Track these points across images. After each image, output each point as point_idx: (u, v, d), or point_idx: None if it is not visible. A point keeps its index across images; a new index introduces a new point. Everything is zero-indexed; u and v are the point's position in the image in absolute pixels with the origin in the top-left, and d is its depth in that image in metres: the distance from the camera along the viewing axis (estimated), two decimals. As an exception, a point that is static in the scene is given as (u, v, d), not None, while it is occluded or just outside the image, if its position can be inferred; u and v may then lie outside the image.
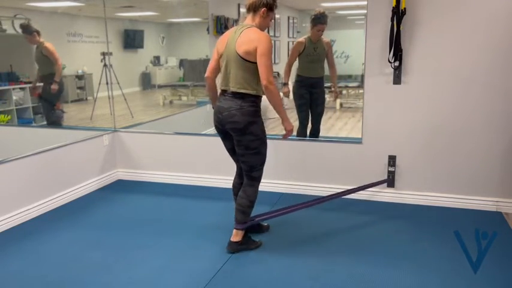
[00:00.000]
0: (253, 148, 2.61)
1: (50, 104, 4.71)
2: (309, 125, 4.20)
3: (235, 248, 2.74)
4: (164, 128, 4.18)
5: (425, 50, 3.25)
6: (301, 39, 3.99)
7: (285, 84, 4.03)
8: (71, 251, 2.81)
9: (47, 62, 4.50)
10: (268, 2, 2.55)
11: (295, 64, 4.09)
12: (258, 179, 2.73)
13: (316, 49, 3.97)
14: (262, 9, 2.54)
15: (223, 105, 2.59)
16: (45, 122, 4.94)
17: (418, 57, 3.27)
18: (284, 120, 2.65)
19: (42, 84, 4.65)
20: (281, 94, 5.09)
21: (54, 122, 4.72)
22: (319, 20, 3.86)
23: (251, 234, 2.92)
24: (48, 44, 4.46)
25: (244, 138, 2.58)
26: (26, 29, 4.46)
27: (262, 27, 2.60)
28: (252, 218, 2.94)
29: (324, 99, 4.13)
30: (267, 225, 3.09)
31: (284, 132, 2.69)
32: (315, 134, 4.14)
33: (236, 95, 2.55)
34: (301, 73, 4.04)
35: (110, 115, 4.43)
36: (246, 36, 2.49)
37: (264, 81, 2.46)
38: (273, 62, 2.55)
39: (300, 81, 4.05)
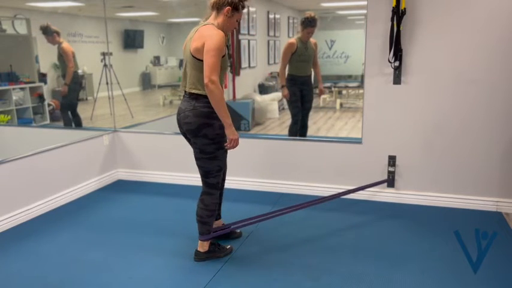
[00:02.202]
0: (209, 152, 2.48)
1: (66, 104, 4.74)
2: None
3: (201, 257, 2.65)
4: (164, 128, 4.18)
5: (425, 50, 3.25)
6: (292, 40, 4.09)
7: (283, 86, 4.09)
8: (71, 251, 2.81)
9: (66, 62, 4.57)
10: (233, 1, 2.38)
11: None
12: (215, 186, 2.58)
13: (307, 49, 4.09)
14: (226, 8, 2.37)
15: (181, 106, 2.51)
16: (45, 122, 4.94)
17: (418, 57, 3.27)
18: (227, 126, 2.41)
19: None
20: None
21: (66, 122, 4.76)
22: (310, 23, 3.98)
23: (221, 240, 2.89)
24: (64, 45, 4.53)
25: (198, 141, 2.46)
26: (46, 30, 4.52)
27: (225, 28, 2.43)
28: (229, 225, 2.91)
29: (312, 96, 4.25)
30: (240, 232, 3.01)
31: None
32: (304, 129, 4.20)
33: (191, 96, 2.45)
34: (292, 72, 4.14)
35: (110, 115, 4.43)
36: (199, 33, 2.36)
37: (205, 79, 2.29)
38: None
39: (292, 80, 4.16)
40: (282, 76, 4.12)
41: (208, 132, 2.44)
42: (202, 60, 2.35)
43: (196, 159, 2.55)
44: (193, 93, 2.44)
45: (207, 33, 2.33)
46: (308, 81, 4.18)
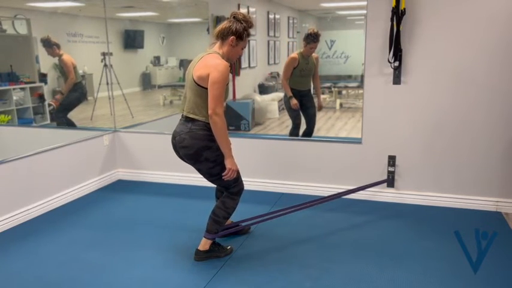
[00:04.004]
0: (217, 174, 2.49)
1: (64, 109, 4.78)
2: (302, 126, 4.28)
3: (201, 256, 2.65)
4: (164, 128, 4.18)
5: (425, 49, 3.25)
6: (294, 54, 4.16)
7: (291, 97, 4.16)
8: (70, 251, 2.81)
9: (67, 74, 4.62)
10: (238, 30, 2.40)
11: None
12: (238, 193, 2.62)
13: (308, 63, 4.15)
14: (231, 38, 2.40)
15: (176, 129, 2.51)
16: (45, 122, 4.95)
17: (418, 57, 3.27)
18: (227, 156, 2.44)
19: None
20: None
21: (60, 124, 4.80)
22: (313, 40, 4.05)
23: (230, 236, 2.91)
24: (65, 57, 4.59)
25: (202, 166, 2.47)
26: (46, 42, 4.56)
27: (230, 56, 2.47)
28: (237, 223, 2.92)
29: (313, 102, 4.29)
30: (248, 227, 3.04)
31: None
32: (309, 134, 4.21)
33: (187, 119, 2.46)
34: (293, 86, 4.19)
35: (110, 115, 4.43)
36: (204, 61, 2.38)
37: (209, 111, 2.32)
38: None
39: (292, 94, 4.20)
40: (287, 88, 4.19)
41: (208, 156, 2.44)
42: (203, 88, 2.36)
43: (211, 181, 2.56)
44: (190, 117, 2.45)
45: (212, 64, 2.33)
46: (307, 93, 4.25)
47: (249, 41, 5.25)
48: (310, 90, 4.25)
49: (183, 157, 2.53)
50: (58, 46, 4.54)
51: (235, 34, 2.41)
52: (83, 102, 4.97)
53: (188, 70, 2.49)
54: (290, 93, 4.15)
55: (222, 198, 2.63)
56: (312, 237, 2.96)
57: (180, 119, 2.53)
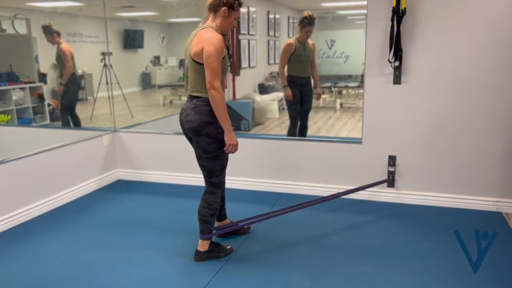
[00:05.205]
0: (211, 151, 2.49)
1: (64, 105, 4.78)
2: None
3: (201, 256, 2.65)
4: (164, 128, 4.18)
5: (425, 50, 3.25)
6: (291, 40, 4.10)
7: (285, 86, 4.09)
8: (70, 251, 2.81)
9: (64, 63, 4.61)
10: (229, 0, 2.39)
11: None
12: (218, 185, 2.60)
13: (305, 50, 4.09)
14: (223, 9, 2.39)
15: (183, 106, 2.54)
16: (45, 122, 4.95)
17: (418, 57, 3.27)
18: (227, 132, 2.44)
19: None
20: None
21: (65, 123, 4.79)
22: (309, 23, 3.98)
23: (230, 236, 2.92)
24: (63, 45, 4.59)
25: (201, 140, 2.47)
26: (47, 29, 4.56)
27: (224, 28, 2.45)
28: (237, 223, 2.92)
29: (311, 97, 4.24)
30: (248, 227, 3.04)
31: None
32: (304, 129, 4.20)
33: (192, 97, 2.49)
34: (292, 73, 4.12)
35: (110, 115, 4.43)
36: (198, 36, 2.38)
37: (207, 84, 2.34)
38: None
39: (292, 82, 4.14)
40: (282, 76, 4.12)
41: (210, 131, 2.45)
42: (202, 64, 2.38)
43: (199, 159, 2.55)
44: (194, 95, 2.48)
45: (205, 38, 2.35)
46: (308, 82, 4.17)
47: (249, 40, 5.25)
48: (310, 77, 4.17)
49: (187, 132, 2.55)
50: (58, 34, 4.55)
51: (227, 5, 2.40)
52: (83, 102, 4.97)
53: (185, 49, 2.51)
54: (285, 83, 4.09)
55: (203, 196, 2.62)
56: (312, 237, 2.96)
57: (187, 98, 2.56)
